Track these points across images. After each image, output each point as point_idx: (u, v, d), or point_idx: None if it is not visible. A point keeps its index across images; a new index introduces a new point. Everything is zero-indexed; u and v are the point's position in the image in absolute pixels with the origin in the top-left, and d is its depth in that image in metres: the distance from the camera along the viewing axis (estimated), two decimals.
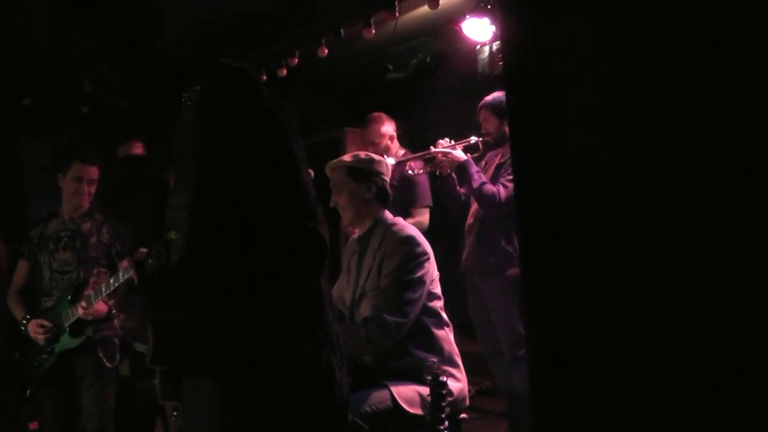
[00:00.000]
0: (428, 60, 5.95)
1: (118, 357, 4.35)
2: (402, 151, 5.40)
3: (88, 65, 2.05)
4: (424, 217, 5.21)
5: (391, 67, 6.05)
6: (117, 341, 4.36)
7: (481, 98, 4.95)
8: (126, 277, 4.20)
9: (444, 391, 2.77)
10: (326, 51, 4.82)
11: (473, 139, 4.74)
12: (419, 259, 3.42)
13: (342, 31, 4.52)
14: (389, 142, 5.38)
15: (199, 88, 2.03)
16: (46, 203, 4.92)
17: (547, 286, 1.72)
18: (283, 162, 1.95)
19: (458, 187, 4.78)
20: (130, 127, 5.46)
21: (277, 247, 1.89)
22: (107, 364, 4.21)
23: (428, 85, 5.83)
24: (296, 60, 4.89)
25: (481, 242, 4.64)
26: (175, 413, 2.35)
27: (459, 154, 4.61)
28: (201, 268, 1.89)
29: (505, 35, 1.78)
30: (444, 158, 4.63)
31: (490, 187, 4.48)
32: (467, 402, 3.59)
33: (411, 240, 3.44)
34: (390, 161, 4.32)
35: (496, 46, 5.49)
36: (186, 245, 1.89)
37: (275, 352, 1.97)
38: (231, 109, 1.94)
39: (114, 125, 5.41)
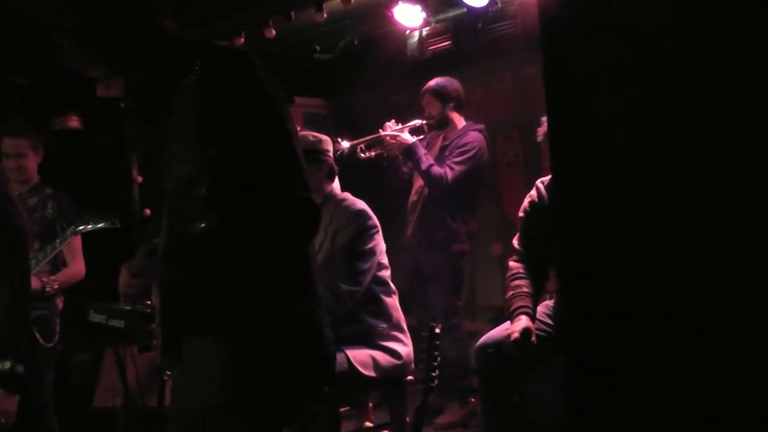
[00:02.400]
0: (356, 42, 6.09)
1: (56, 336, 4.41)
2: None
3: (65, 37, 2.19)
4: None
5: (318, 48, 6.18)
6: (57, 319, 4.43)
7: (410, 82, 5.23)
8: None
9: (436, 352, 3.14)
10: (273, 32, 4.97)
11: (418, 122, 5.00)
12: (370, 231, 3.66)
13: (292, 14, 4.67)
14: None
15: (197, 68, 2.18)
16: None
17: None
18: (280, 138, 2.14)
19: (403, 168, 5.07)
20: (66, 100, 5.48)
21: (278, 215, 2.08)
22: (44, 343, 4.24)
23: (356, 67, 5.98)
24: (242, 40, 5.01)
25: (426, 219, 4.93)
26: (168, 373, 2.50)
27: (406, 136, 4.88)
28: (214, 236, 2.05)
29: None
30: (392, 141, 4.89)
31: (437, 169, 4.77)
32: (412, 366, 3.85)
33: (363, 214, 3.67)
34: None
35: (426, 31, 5.76)
36: (196, 212, 2.01)
37: (274, 312, 2.16)
38: (233, 89, 2.10)
39: (50, 98, 5.39)
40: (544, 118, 3.51)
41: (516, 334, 3.29)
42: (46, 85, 5.26)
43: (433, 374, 3.11)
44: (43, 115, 5.33)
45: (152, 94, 2.32)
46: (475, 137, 4.90)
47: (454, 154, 4.85)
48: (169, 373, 2.54)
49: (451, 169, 4.78)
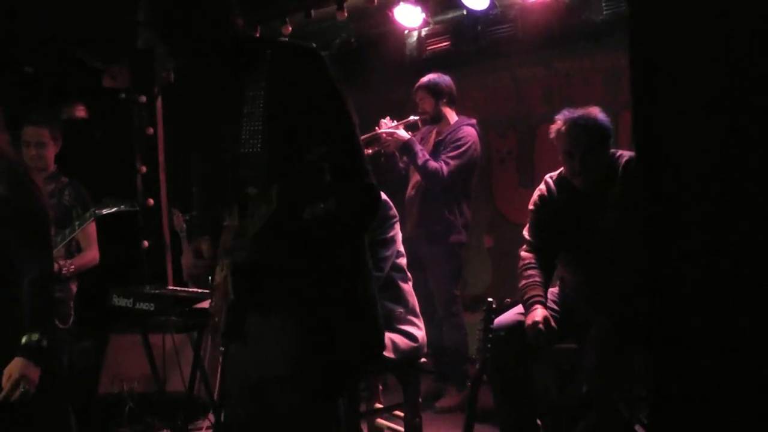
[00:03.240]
0: (353, 41, 6.24)
1: (71, 319, 4.54)
2: None
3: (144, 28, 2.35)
4: None
5: (314, 45, 6.31)
6: (71, 303, 4.56)
7: (409, 81, 5.42)
8: (71, 236, 4.40)
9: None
10: (290, 29, 5.12)
11: (413, 118, 5.19)
12: (391, 220, 3.87)
13: (312, 12, 4.84)
14: None
15: (268, 64, 2.35)
16: None
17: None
18: (348, 128, 2.34)
19: (399, 164, 5.27)
20: (74, 90, 5.58)
21: (350, 202, 2.21)
22: (60, 325, 4.33)
23: (353, 65, 6.10)
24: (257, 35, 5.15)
25: (425, 212, 5.15)
26: (222, 348, 2.64)
27: (402, 133, 5.08)
28: (294, 220, 2.12)
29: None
30: (389, 138, 5.08)
31: (433, 164, 4.98)
32: (425, 349, 4.05)
33: (384, 204, 3.86)
34: None
35: (425, 31, 5.96)
36: (272, 199, 2.08)
37: (339, 292, 2.37)
38: (308, 85, 2.28)
39: (58, 87, 5.49)
40: (559, 116, 3.70)
41: (540, 325, 3.50)
42: (54, 74, 5.37)
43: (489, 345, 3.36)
44: (52, 105, 5.42)
45: (221, 87, 2.47)
46: (468, 132, 5.11)
47: (448, 149, 5.06)
48: (223, 349, 2.68)
49: (447, 163, 4.99)
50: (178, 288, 4.55)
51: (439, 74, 5.25)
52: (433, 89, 5.18)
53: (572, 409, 4.11)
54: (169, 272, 5.83)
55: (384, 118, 5.16)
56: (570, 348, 4.28)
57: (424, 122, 5.23)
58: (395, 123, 5.13)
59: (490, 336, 3.38)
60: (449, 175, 4.98)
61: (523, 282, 3.75)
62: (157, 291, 4.02)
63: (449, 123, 5.20)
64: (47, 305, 3.10)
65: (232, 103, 2.38)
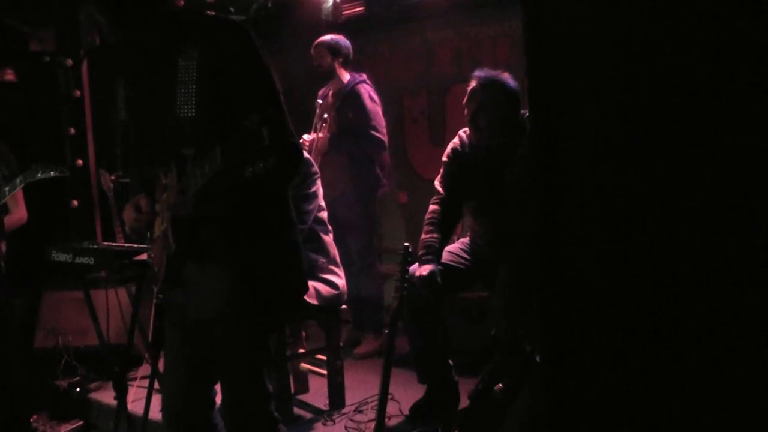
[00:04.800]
0: (269, 5, 6.43)
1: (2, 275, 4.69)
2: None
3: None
4: None
5: (232, 10, 6.48)
6: (2, 263, 4.71)
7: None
8: (1, 201, 4.57)
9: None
10: None
11: (306, 136, 5.43)
12: (313, 177, 4.19)
13: None
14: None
15: (199, 37, 2.61)
16: None
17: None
18: (276, 96, 2.63)
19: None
20: (2, 53, 5.69)
21: (284, 160, 2.40)
22: None
23: (270, 29, 6.28)
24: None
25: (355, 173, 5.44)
26: (160, 296, 2.87)
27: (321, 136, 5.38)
28: (236, 177, 2.29)
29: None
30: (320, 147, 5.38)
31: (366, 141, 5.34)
32: (345, 296, 4.40)
33: (306, 161, 4.17)
34: None
35: None
36: (216, 158, 2.26)
37: (268, 241, 2.67)
38: (239, 55, 2.55)
39: None
40: (474, 75, 4.03)
41: (424, 273, 3.89)
42: None
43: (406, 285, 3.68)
44: None
45: (155, 56, 2.68)
46: (363, 91, 5.41)
47: (361, 120, 5.33)
48: (162, 296, 2.92)
49: (375, 130, 5.33)
50: (112, 243, 4.77)
51: (341, 36, 5.52)
52: (333, 48, 5.45)
53: (481, 349, 4.52)
54: (98, 229, 6.01)
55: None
56: (479, 296, 4.70)
57: (319, 76, 5.52)
58: (310, 137, 5.39)
59: (407, 278, 3.71)
60: (382, 136, 5.37)
61: (423, 237, 4.13)
62: (95, 246, 4.19)
63: (342, 81, 5.45)
64: None
65: (165, 71, 2.60)
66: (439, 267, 3.99)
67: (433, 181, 4.31)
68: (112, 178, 5.75)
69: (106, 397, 4.91)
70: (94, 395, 5.09)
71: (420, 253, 4.03)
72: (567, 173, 2.00)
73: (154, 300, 3.01)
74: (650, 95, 1.80)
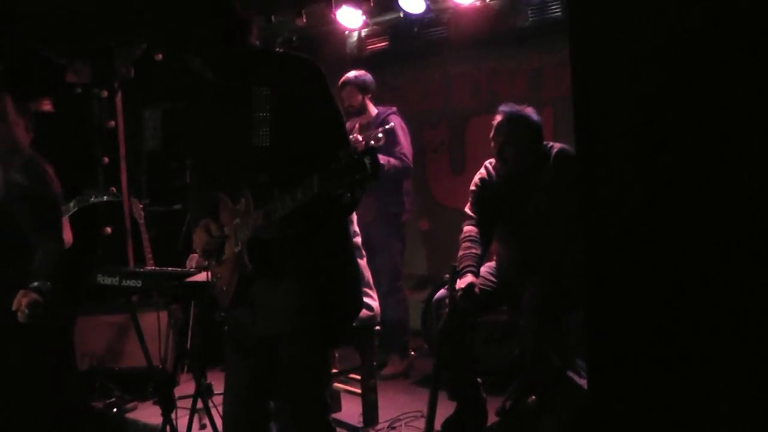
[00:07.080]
0: (294, 39, 6.64)
1: None
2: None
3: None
4: None
5: (257, 43, 6.68)
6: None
7: None
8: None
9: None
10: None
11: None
12: None
13: (273, 18, 5.27)
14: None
15: (273, 72, 2.78)
16: None
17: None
18: (342, 125, 2.84)
19: None
20: (40, 85, 5.89)
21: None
22: None
23: None
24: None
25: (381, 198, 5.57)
26: (222, 314, 3.03)
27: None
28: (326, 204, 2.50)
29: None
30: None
31: (394, 161, 5.47)
32: (379, 318, 4.58)
33: None
34: None
35: (365, 32, 6.45)
36: (313, 186, 2.40)
37: (333, 254, 2.86)
38: (315, 90, 2.75)
39: (24, 82, 5.77)
40: (501, 107, 4.26)
41: (461, 286, 4.08)
42: (22, 71, 5.67)
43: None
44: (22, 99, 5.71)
45: (231, 89, 2.84)
46: (395, 120, 5.59)
47: (391, 145, 5.48)
48: (223, 314, 3.09)
49: (403, 155, 5.52)
50: (149, 267, 4.95)
51: (363, 71, 5.73)
52: (361, 85, 5.68)
53: (504, 369, 4.72)
54: (130, 255, 6.18)
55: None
56: (496, 319, 4.88)
57: (348, 115, 5.64)
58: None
59: (452, 295, 3.97)
60: (410, 162, 5.57)
61: (461, 253, 4.33)
62: (141, 269, 4.37)
63: (371, 115, 5.68)
64: (53, 268, 3.53)
65: (239, 103, 2.76)
66: (477, 279, 4.19)
67: (453, 208, 4.52)
68: (141, 206, 5.95)
69: (143, 416, 5.08)
70: (131, 415, 5.22)
71: (461, 266, 4.23)
72: (607, 192, 2.24)
73: (216, 317, 3.18)
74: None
